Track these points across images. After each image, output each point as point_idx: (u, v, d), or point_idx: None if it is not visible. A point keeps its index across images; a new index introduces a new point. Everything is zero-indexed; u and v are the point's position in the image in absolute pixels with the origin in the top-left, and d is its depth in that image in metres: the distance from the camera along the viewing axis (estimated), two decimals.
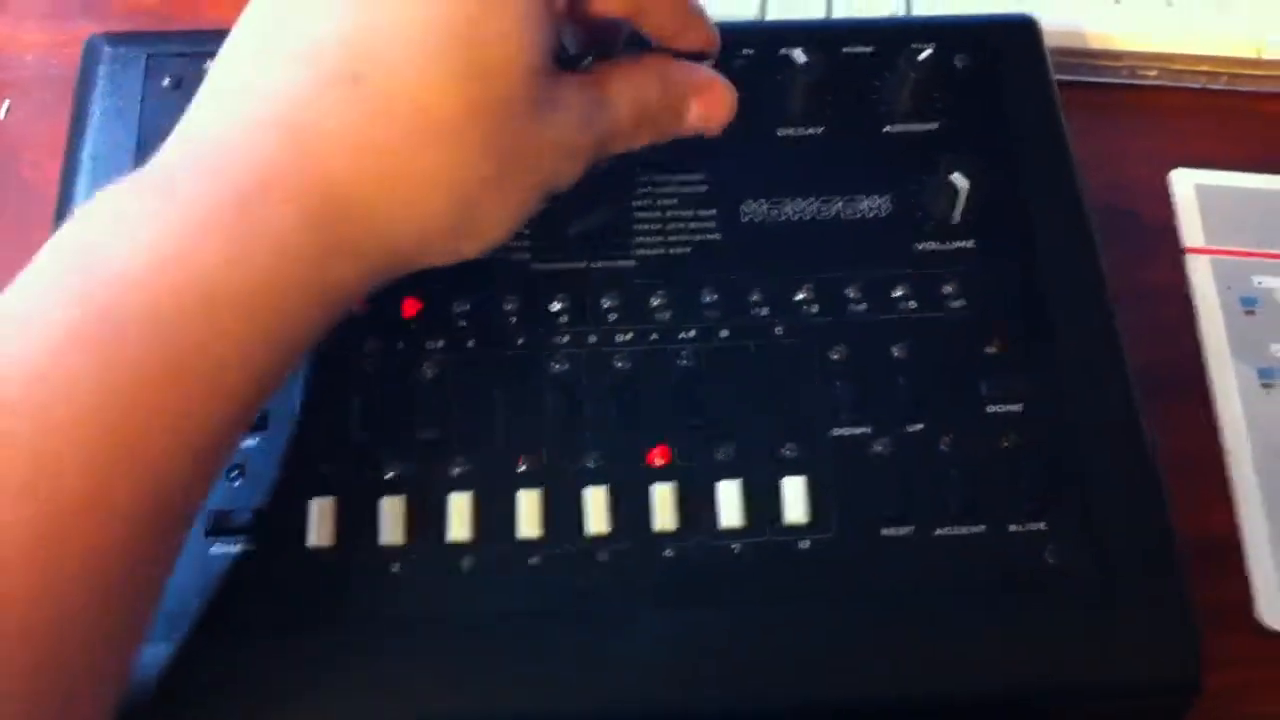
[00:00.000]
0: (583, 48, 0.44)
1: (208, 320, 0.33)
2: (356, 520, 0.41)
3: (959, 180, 0.46)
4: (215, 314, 0.33)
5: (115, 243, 0.33)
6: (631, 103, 0.42)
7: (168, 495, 0.33)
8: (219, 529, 0.40)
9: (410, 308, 0.44)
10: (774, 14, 0.58)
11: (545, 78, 0.38)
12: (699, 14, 0.44)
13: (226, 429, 0.35)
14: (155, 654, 0.38)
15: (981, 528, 0.42)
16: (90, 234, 0.34)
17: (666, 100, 0.43)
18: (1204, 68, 0.59)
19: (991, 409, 0.43)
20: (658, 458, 0.42)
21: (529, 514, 0.41)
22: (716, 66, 0.44)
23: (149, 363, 0.32)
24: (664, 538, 0.41)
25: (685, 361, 0.43)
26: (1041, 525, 0.42)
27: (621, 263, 0.45)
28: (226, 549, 0.40)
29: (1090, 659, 0.40)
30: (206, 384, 0.33)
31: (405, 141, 0.36)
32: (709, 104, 0.44)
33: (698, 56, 0.44)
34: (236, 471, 0.41)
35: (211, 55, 0.38)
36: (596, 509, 0.41)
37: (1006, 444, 0.43)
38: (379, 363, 0.43)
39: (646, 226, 0.46)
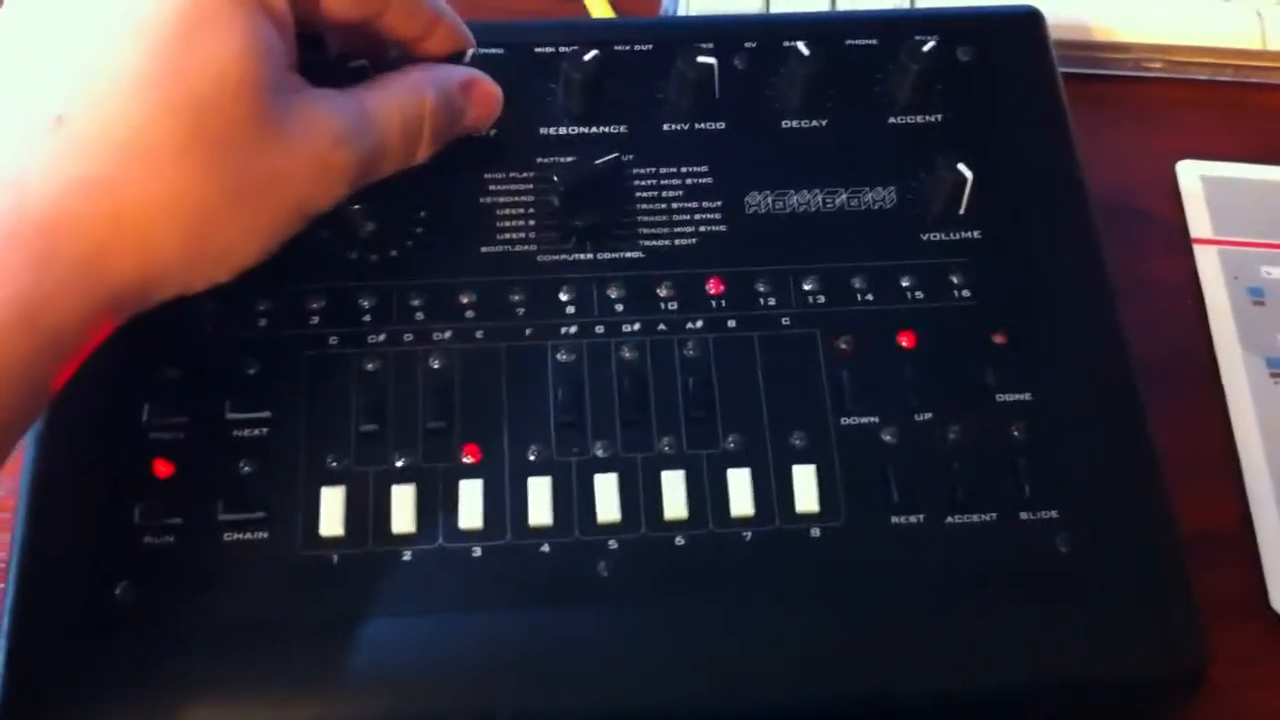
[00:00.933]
0: (345, 51, 0.43)
1: None
2: (366, 509, 0.41)
3: (963, 171, 0.46)
4: None
5: None
6: (400, 114, 0.41)
7: None
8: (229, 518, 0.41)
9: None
10: (778, 7, 0.59)
11: (280, 95, 0.37)
12: (442, 13, 0.43)
13: None
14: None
15: (992, 516, 0.42)
16: None
17: (440, 106, 0.42)
18: (1208, 60, 0.60)
19: (1000, 398, 0.44)
20: (667, 447, 0.42)
21: (539, 503, 0.41)
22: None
23: None
24: (674, 526, 0.41)
25: (692, 352, 0.44)
26: (1053, 514, 0.42)
27: (628, 254, 0.46)
28: (238, 536, 0.40)
29: (1094, 651, 0.41)
30: None
31: (119, 176, 0.35)
32: (478, 102, 0.44)
33: (459, 58, 0.44)
34: (245, 461, 0.41)
35: None
36: (606, 498, 0.41)
37: (1015, 433, 0.43)
38: (386, 353, 0.43)
39: (652, 218, 0.46)
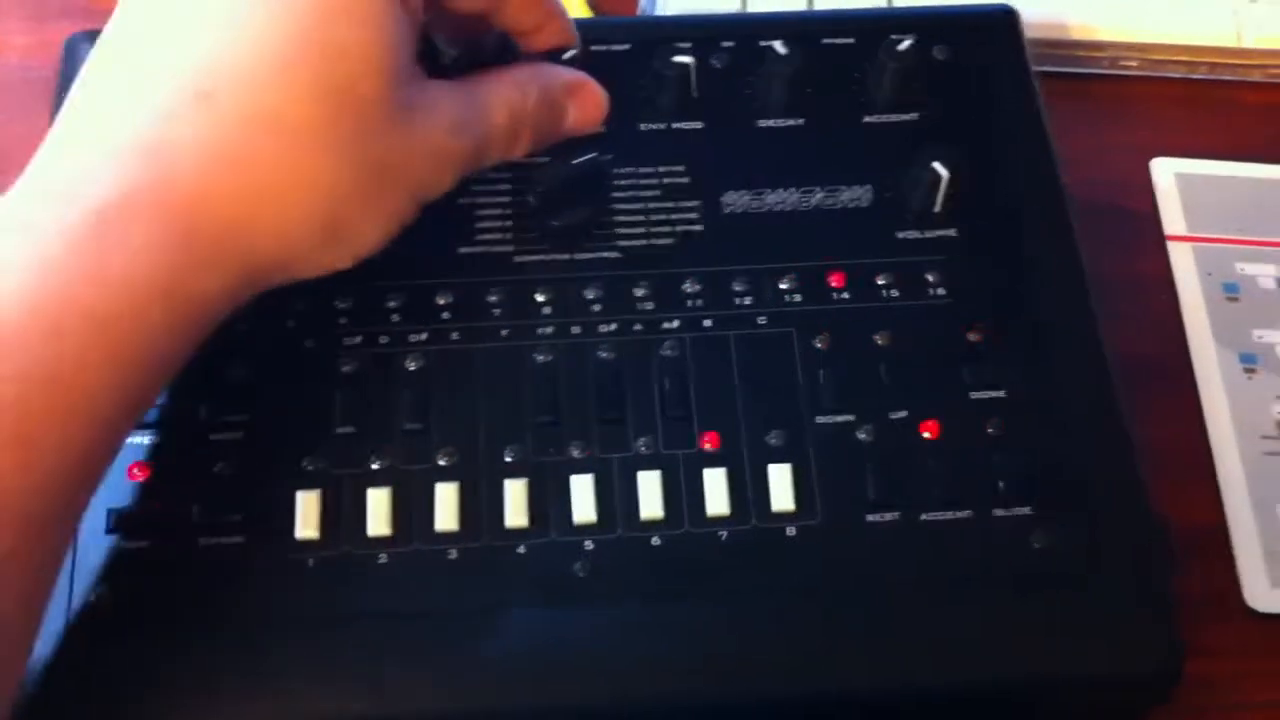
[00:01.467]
0: (453, 48, 0.44)
1: (62, 344, 0.33)
2: (342, 513, 0.41)
3: (939, 169, 0.46)
4: (70, 338, 0.33)
5: None
6: (506, 108, 0.42)
7: (30, 528, 0.33)
8: (209, 523, 0.41)
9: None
10: (755, 6, 0.59)
11: (408, 84, 0.38)
12: (556, 9, 0.44)
13: (91, 451, 0.35)
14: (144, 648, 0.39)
15: (967, 513, 0.42)
16: None
17: (543, 104, 0.43)
18: (1184, 57, 0.60)
19: (975, 395, 0.44)
20: (643, 447, 0.42)
21: (515, 504, 0.41)
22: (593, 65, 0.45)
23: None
24: (651, 526, 0.41)
25: (669, 351, 0.44)
26: (1027, 510, 0.42)
27: (605, 254, 0.46)
28: (215, 541, 0.40)
29: (1071, 646, 0.41)
30: (62, 409, 0.33)
31: (260, 155, 0.36)
32: (584, 105, 0.44)
33: (558, 55, 0.44)
34: (221, 464, 0.41)
35: None
36: (583, 498, 0.41)
37: (990, 430, 0.43)
38: (363, 355, 0.43)
39: (629, 218, 0.46)
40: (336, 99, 0.36)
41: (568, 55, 0.45)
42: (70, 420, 0.34)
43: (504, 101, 0.42)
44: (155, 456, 0.41)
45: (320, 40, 0.36)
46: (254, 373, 0.43)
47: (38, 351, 0.33)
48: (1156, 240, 0.56)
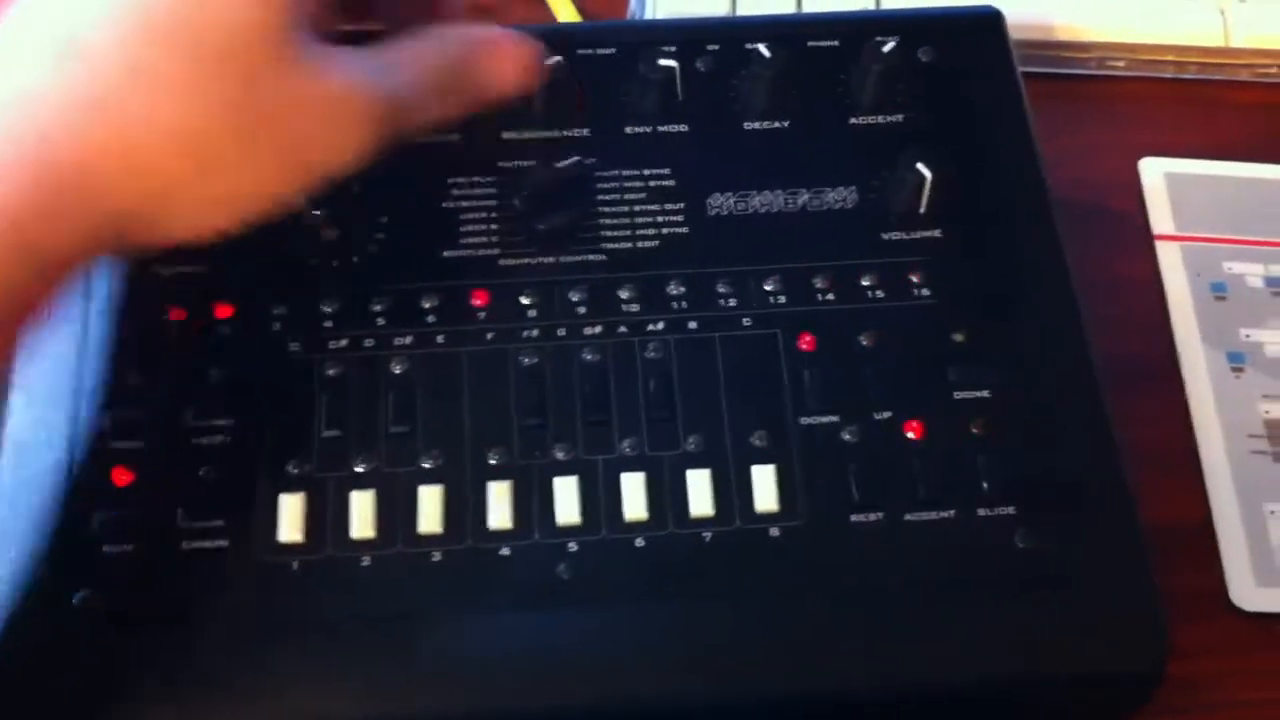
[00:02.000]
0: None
1: None
2: (326, 516, 0.41)
3: (924, 171, 0.47)
4: None
5: None
6: (413, 65, 0.40)
7: None
8: (192, 527, 0.41)
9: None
10: (745, 9, 0.59)
11: (298, 43, 0.37)
12: None
13: None
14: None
15: (951, 513, 0.42)
16: None
17: (454, 61, 0.41)
18: (1171, 57, 0.60)
19: (959, 395, 0.44)
20: (628, 448, 0.42)
21: (499, 506, 0.41)
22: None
23: None
24: (635, 528, 0.41)
25: (654, 353, 0.44)
26: (1011, 510, 0.42)
27: (590, 256, 0.46)
28: (199, 545, 0.41)
29: (1055, 646, 0.41)
30: None
31: (127, 104, 0.35)
32: (503, 63, 0.42)
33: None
34: (205, 468, 0.42)
35: None
36: (567, 500, 0.41)
37: (975, 430, 0.44)
38: (347, 358, 0.44)
39: (614, 220, 0.47)
40: (213, 47, 0.35)
41: (550, 61, 0.45)
42: None
43: (409, 58, 0.40)
44: (139, 460, 0.41)
45: None
46: (238, 376, 0.43)
47: None
48: (1143, 240, 0.56)
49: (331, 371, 0.43)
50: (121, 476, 0.41)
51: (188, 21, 0.35)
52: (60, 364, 0.43)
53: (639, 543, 0.41)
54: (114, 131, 0.35)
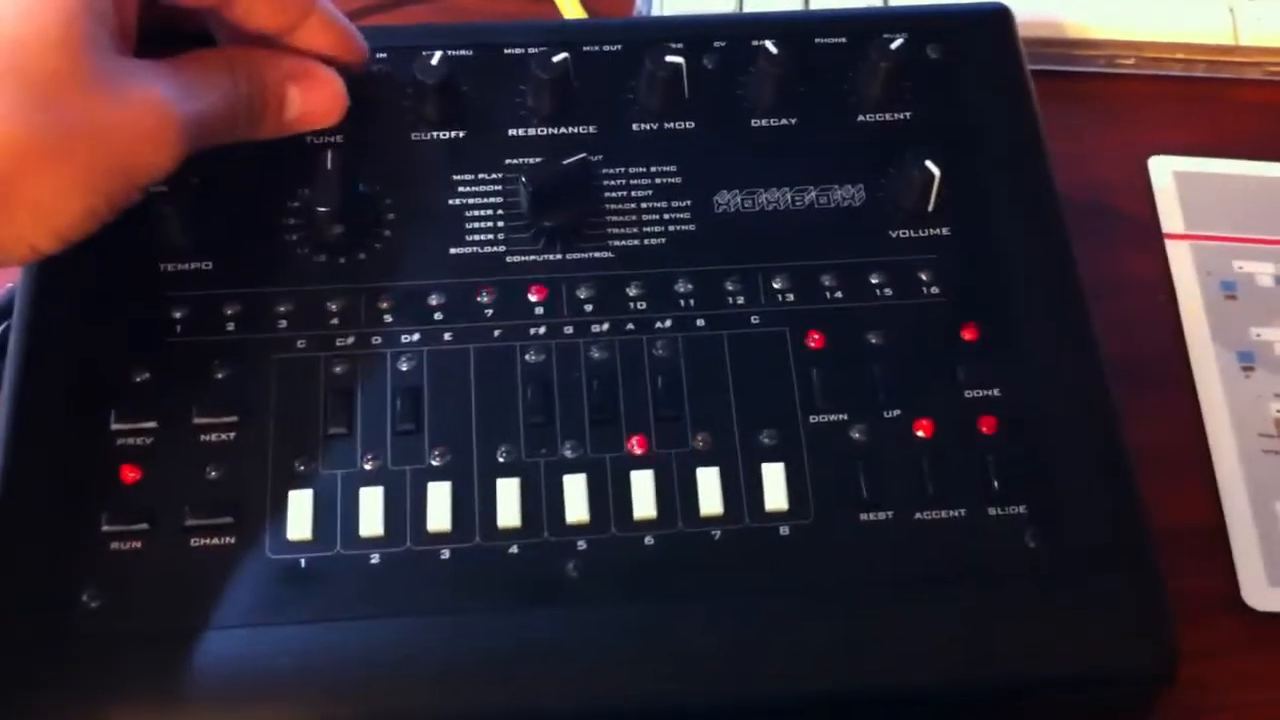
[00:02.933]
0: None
1: None
2: (334, 514, 0.41)
3: (932, 169, 0.47)
4: None
5: None
6: (220, 88, 0.41)
7: None
8: (200, 524, 0.41)
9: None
10: (750, 6, 0.59)
11: (105, 56, 0.38)
12: (317, 6, 0.43)
13: None
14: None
15: (961, 512, 0.42)
16: None
17: (260, 88, 0.43)
18: (1180, 55, 0.60)
19: (968, 394, 0.44)
20: (636, 446, 0.43)
21: (508, 504, 0.41)
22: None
23: None
24: (644, 526, 0.41)
25: (662, 351, 0.44)
26: (1021, 509, 0.42)
27: (597, 254, 0.46)
28: (206, 542, 0.41)
29: (1065, 646, 0.41)
30: None
31: None
32: (311, 96, 0.44)
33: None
34: (212, 466, 0.42)
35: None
36: (575, 498, 0.42)
37: (984, 429, 0.44)
38: (355, 356, 0.44)
39: (621, 218, 0.47)
40: (11, 55, 0.36)
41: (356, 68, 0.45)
42: None
43: (214, 82, 0.41)
44: (146, 458, 0.42)
45: None
46: (245, 373, 0.43)
47: None
48: (1153, 239, 0.56)
49: (338, 369, 0.43)
50: (129, 474, 0.41)
51: None
52: (67, 361, 0.43)
53: (648, 541, 0.41)
54: None
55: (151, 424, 0.42)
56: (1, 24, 0.36)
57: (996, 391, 0.44)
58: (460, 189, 0.47)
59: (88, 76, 0.37)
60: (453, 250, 0.46)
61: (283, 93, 0.44)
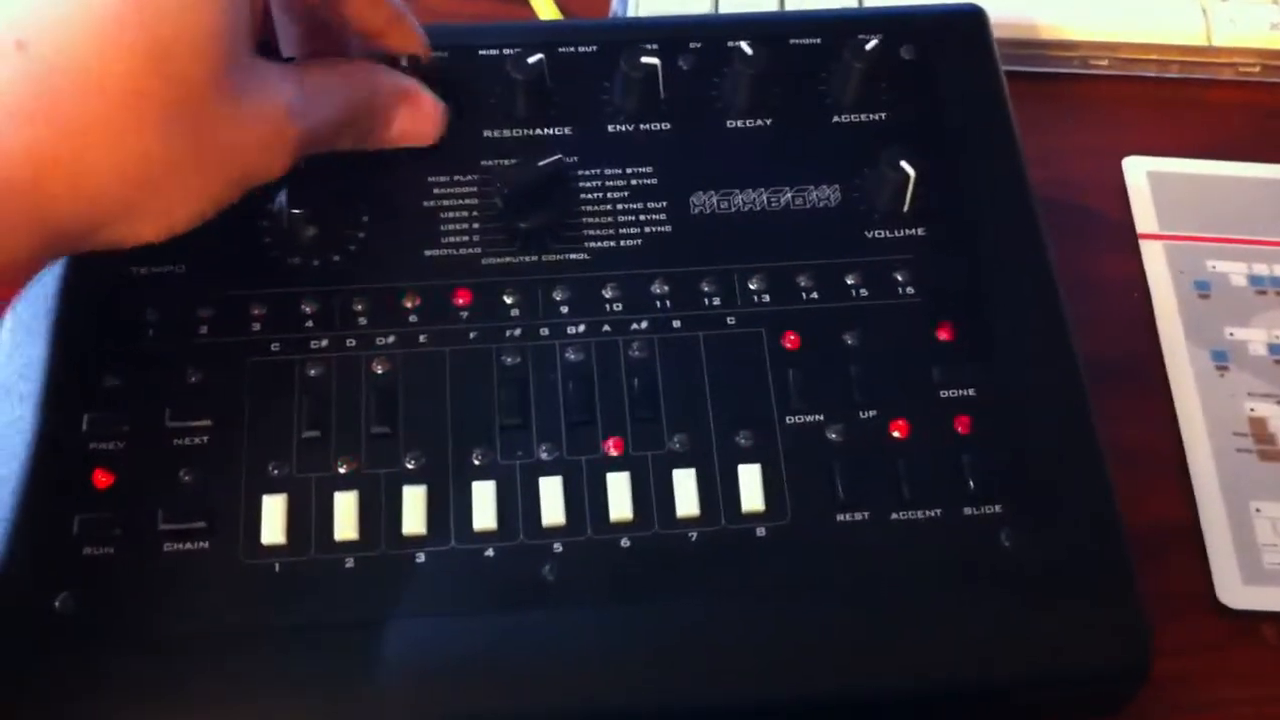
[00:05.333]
0: (302, 49, 0.45)
1: None
2: (308, 518, 0.41)
3: (907, 169, 0.47)
4: None
5: None
6: (337, 102, 0.43)
7: None
8: (173, 529, 0.41)
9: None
10: (726, 7, 0.60)
11: (242, 66, 0.38)
12: (404, 13, 0.45)
13: None
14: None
15: (937, 512, 0.43)
16: None
17: (372, 105, 0.44)
18: (1155, 56, 0.61)
19: (944, 394, 0.45)
20: (612, 448, 0.43)
21: (483, 507, 0.42)
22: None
23: None
24: (620, 528, 0.42)
25: (638, 353, 0.44)
26: (996, 509, 0.43)
27: (573, 255, 0.46)
28: (179, 547, 0.41)
29: (1041, 644, 0.41)
30: None
31: (71, 112, 0.35)
32: (412, 116, 0.46)
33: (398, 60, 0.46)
34: (185, 470, 0.42)
35: None
36: (551, 501, 0.42)
37: (960, 429, 0.44)
38: (329, 359, 0.44)
39: (597, 219, 0.47)
40: (157, 64, 0.36)
41: (404, 61, 0.46)
42: None
43: (337, 94, 0.43)
44: (119, 462, 0.42)
45: (150, 8, 0.36)
46: (218, 377, 0.43)
47: None
48: (1126, 240, 0.57)
49: (313, 372, 0.43)
50: (102, 478, 0.41)
51: (141, 30, 0.36)
52: (39, 365, 0.43)
53: (624, 543, 0.42)
54: (55, 141, 0.35)
55: (124, 428, 0.42)
56: (156, 29, 0.36)
57: (972, 391, 0.45)
58: (435, 190, 0.47)
59: (225, 90, 0.38)
60: (428, 252, 0.46)
61: (390, 111, 0.45)
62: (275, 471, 0.42)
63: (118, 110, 0.36)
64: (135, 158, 0.36)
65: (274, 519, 0.41)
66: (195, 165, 0.38)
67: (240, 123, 0.39)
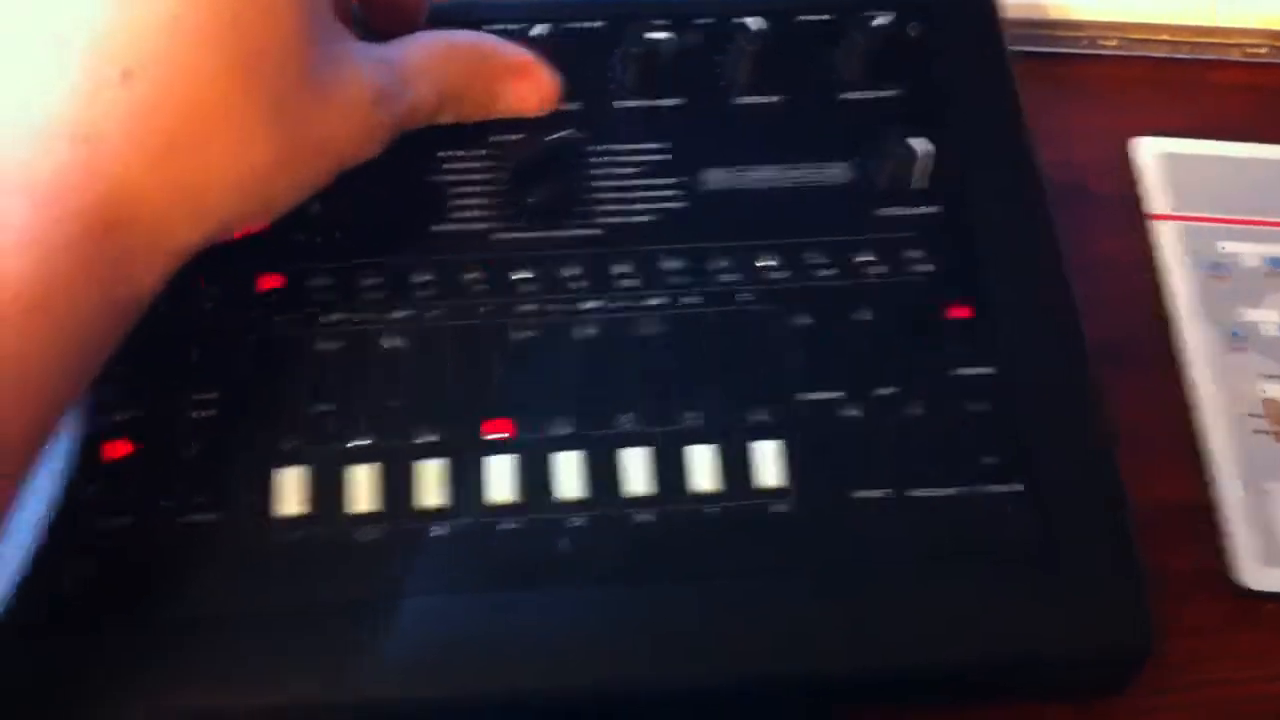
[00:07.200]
0: (381, 27, 0.46)
1: (16, 322, 0.34)
2: (322, 491, 0.42)
3: (915, 146, 0.48)
4: (14, 318, 0.34)
5: None
6: (435, 82, 0.44)
7: None
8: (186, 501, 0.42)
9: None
10: None
11: (329, 59, 0.40)
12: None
13: (30, 436, 0.36)
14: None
15: (953, 490, 0.44)
16: None
17: (476, 82, 0.45)
18: (1164, 36, 0.62)
19: (958, 372, 0.46)
20: (626, 424, 0.44)
21: (498, 481, 0.42)
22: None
23: None
24: (635, 504, 0.43)
25: (651, 329, 0.45)
26: (1012, 487, 0.44)
27: (584, 231, 0.47)
28: (193, 519, 0.42)
29: (1048, 623, 0.42)
30: (14, 385, 0.34)
31: (185, 138, 0.36)
32: (524, 90, 0.46)
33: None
34: (198, 444, 0.42)
35: None
36: (567, 475, 0.43)
37: (974, 407, 0.45)
38: (340, 333, 0.45)
39: (608, 195, 0.48)
40: (255, 73, 0.37)
41: (534, 32, 0.46)
42: (10, 407, 0.35)
43: (428, 71, 0.44)
44: (133, 434, 0.42)
45: (232, 15, 0.37)
46: (230, 351, 0.44)
47: None
48: (1136, 221, 0.58)
49: (324, 346, 0.44)
50: (113, 452, 0.42)
51: (235, 41, 0.37)
52: None
53: (640, 519, 0.42)
54: (172, 172, 0.37)
55: (136, 402, 0.43)
56: (245, 43, 0.37)
57: (985, 369, 0.46)
58: (444, 165, 0.48)
59: (314, 88, 0.39)
60: (436, 227, 0.47)
61: (497, 86, 0.46)
62: (288, 445, 0.43)
63: (225, 130, 0.37)
64: (245, 170, 0.38)
65: (288, 493, 0.42)
66: (294, 164, 0.39)
67: (330, 118, 0.40)
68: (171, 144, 0.36)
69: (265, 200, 0.40)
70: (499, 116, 0.47)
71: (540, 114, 0.47)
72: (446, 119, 0.45)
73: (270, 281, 0.45)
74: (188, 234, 0.38)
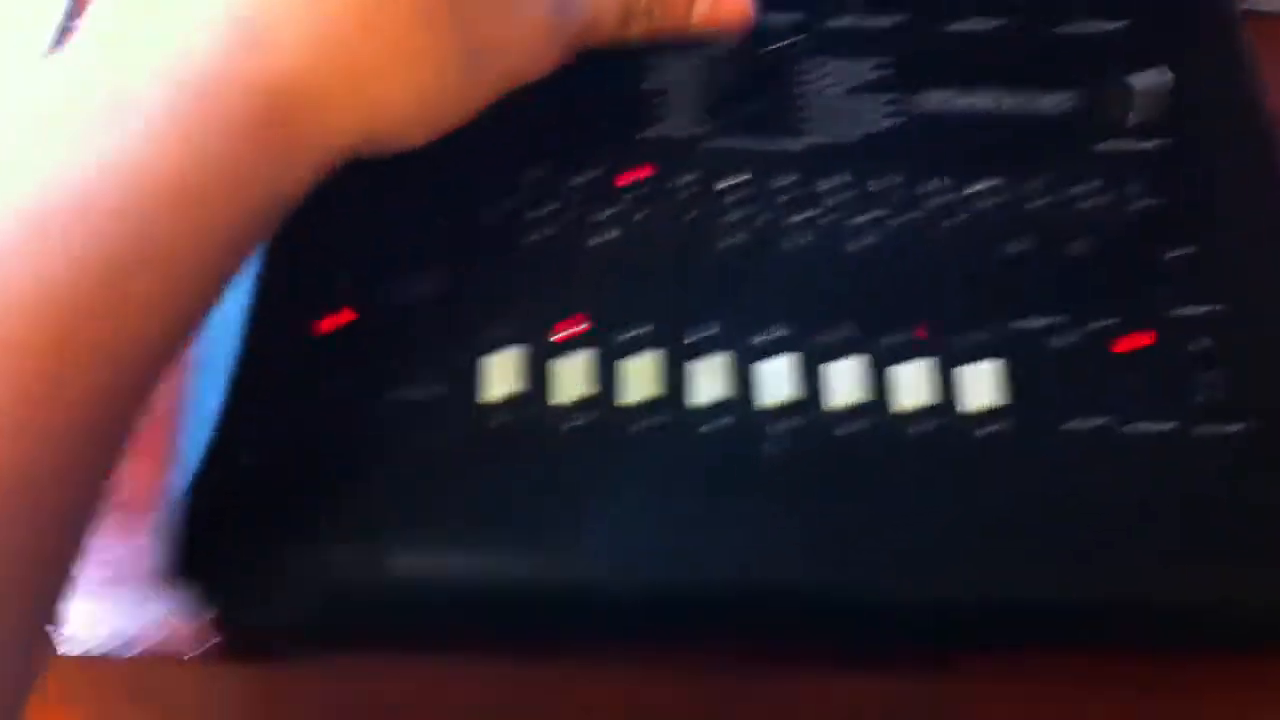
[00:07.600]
0: None
1: (169, 215, 0.33)
2: (531, 380, 0.42)
3: (1139, 80, 0.47)
4: (167, 210, 0.33)
5: (60, 151, 0.33)
6: None
7: (105, 410, 0.33)
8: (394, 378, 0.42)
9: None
10: None
11: None
12: None
13: (180, 321, 0.35)
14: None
15: (1169, 426, 0.42)
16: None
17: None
18: None
19: (1180, 309, 0.44)
20: (836, 335, 0.43)
21: (704, 383, 0.42)
22: None
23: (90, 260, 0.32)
24: (840, 416, 0.42)
25: (862, 242, 0.45)
26: (1228, 429, 0.42)
27: (793, 146, 0.47)
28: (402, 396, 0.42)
29: (1252, 569, 0.41)
30: (160, 280, 0.33)
31: (357, 29, 0.35)
32: (720, 3, 0.45)
33: None
34: (412, 326, 0.43)
35: None
36: (773, 382, 0.42)
37: (1195, 345, 0.44)
38: (546, 229, 0.45)
39: (819, 110, 0.47)
40: None
41: None
42: (156, 301, 0.34)
43: None
44: (351, 306, 0.43)
45: None
46: (440, 244, 0.44)
47: (132, 226, 0.32)
48: None
49: (534, 237, 0.45)
50: (330, 324, 0.43)
51: None
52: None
53: (842, 431, 0.42)
54: (344, 65, 0.36)
55: (349, 277, 0.44)
56: None
57: (1208, 308, 0.44)
58: (653, 73, 0.48)
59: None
60: (645, 133, 0.47)
61: (706, 4, 0.45)
62: (500, 333, 0.43)
63: (402, 29, 0.36)
64: (418, 74, 0.37)
65: (496, 379, 0.42)
66: (472, 71, 0.39)
67: (508, 22, 0.39)
68: (341, 35, 0.35)
69: (430, 104, 0.38)
70: (693, 36, 0.46)
71: (737, 32, 0.46)
72: (636, 34, 0.45)
73: (481, 178, 0.46)
74: (351, 129, 0.37)
